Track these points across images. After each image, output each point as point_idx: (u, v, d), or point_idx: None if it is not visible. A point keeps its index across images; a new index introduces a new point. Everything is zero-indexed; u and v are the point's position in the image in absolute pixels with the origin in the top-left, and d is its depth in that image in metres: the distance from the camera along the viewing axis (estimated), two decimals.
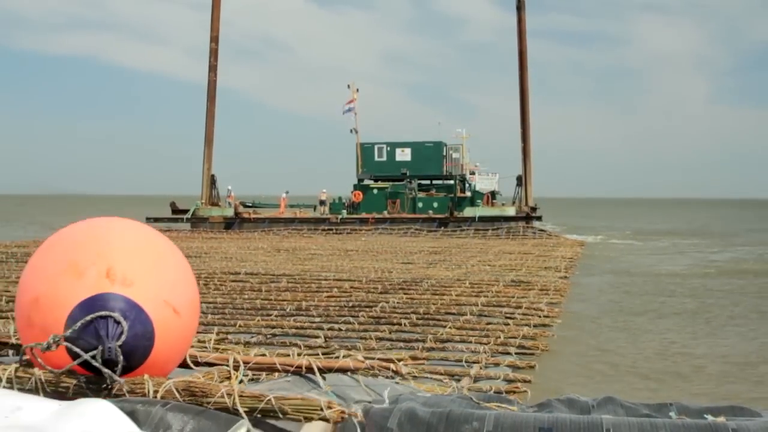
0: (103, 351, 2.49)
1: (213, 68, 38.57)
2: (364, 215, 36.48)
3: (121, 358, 2.51)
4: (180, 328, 2.70)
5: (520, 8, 38.28)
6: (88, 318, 2.48)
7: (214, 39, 38.55)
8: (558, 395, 2.83)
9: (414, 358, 8.86)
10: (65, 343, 2.51)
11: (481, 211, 36.05)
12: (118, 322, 2.50)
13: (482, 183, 39.62)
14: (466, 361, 8.78)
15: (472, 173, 41.53)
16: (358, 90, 40.09)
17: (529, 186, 37.09)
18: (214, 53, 38.59)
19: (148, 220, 38.67)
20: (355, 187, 39.83)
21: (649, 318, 13.48)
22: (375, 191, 39.10)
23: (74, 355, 2.51)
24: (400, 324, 10.92)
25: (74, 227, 2.84)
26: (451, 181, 40.59)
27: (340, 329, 10.49)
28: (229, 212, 37.05)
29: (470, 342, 9.75)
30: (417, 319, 11.36)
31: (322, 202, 40.05)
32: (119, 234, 2.74)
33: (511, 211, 36.36)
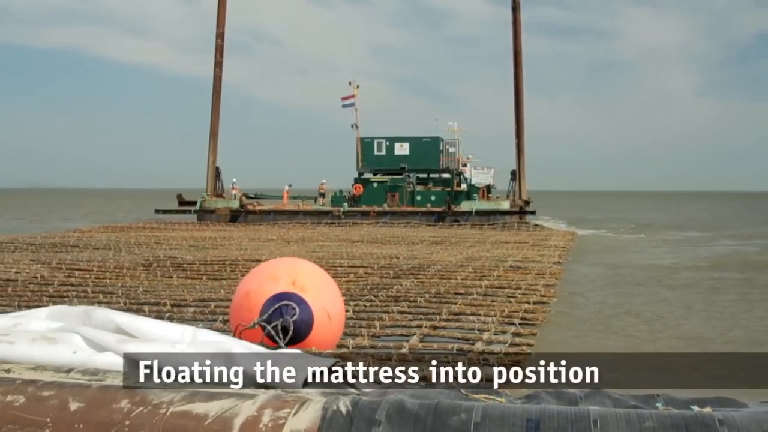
0: (282, 322, 4.10)
1: (219, 64, 40.00)
2: (365, 208, 38.00)
3: (292, 328, 4.10)
4: (330, 328, 4.36)
5: (515, 9, 39.86)
6: (277, 305, 4.09)
7: (220, 36, 39.93)
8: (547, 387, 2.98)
9: (434, 327, 10.50)
10: (261, 323, 4.13)
11: (477, 204, 37.67)
12: (294, 308, 4.10)
13: (478, 177, 41.25)
14: (477, 330, 10.31)
15: (464, 165, 43.22)
16: (358, 86, 41.57)
17: (522, 180, 38.82)
18: (219, 50, 39.99)
19: (157, 212, 40.16)
20: (356, 181, 41.34)
21: (640, 300, 15.02)
22: (375, 185, 40.62)
23: (264, 327, 4.10)
24: (416, 301, 12.45)
25: (276, 260, 4.59)
26: (448, 175, 42.18)
27: (365, 305, 11.99)
28: (235, 204, 38.43)
29: (479, 315, 11.26)
30: (430, 297, 12.90)
31: (321, 194, 41.59)
32: (304, 265, 4.41)
33: (505, 205, 38.02)
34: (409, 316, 11.18)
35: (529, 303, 12.59)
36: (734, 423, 2.31)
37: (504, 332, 10.26)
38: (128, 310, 11.46)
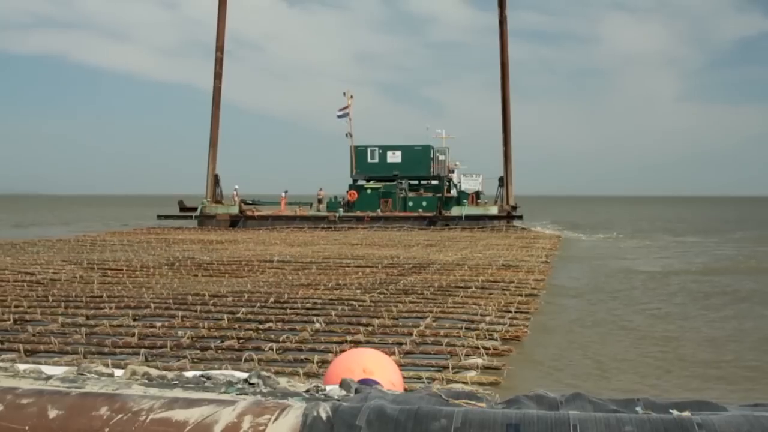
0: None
1: (218, 76, 41.56)
2: (359, 213, 39.71)
3: None
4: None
5: (502, 22, 41.78)
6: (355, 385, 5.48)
7: (220, 49, 41.47)
8: (527, 392, 2.94)
9: (444, 312, 12.14)
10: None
11: (467, 210, 39.53)
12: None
13: (467, 184, 43.09)
14: (480, 315, 12.00)
15: (452, 171, 45.05)
16: (352, 97, 43.30)
17: (510, 186, 40.69)
18: (219, 62, 41.55)
19: (159, 217, 41.64)
20: (350, 187, 43.05)
21: (620, 294, 16.76)
22: (369, 191, 42.35)
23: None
24: (423, 293, 14.14)
25: (353, 350, 5.96)
26: (437, 182, 44.00)
27: (380, 297, 13.64)
28: (235, 210, 39.96)
29: (480, 305, 12.96)
30: (434, 290, 14.58)
31: (319, 200, 43.35)
32: (370, 354, 5.71)
33: (494, 210, 39.92)
34: (421, 304, 12.85)
35: (521, 295, 14.31)
36: (713, 427, 2.33)
37: (503, 317, 11.95)
38: (174, 301, 13.03)
